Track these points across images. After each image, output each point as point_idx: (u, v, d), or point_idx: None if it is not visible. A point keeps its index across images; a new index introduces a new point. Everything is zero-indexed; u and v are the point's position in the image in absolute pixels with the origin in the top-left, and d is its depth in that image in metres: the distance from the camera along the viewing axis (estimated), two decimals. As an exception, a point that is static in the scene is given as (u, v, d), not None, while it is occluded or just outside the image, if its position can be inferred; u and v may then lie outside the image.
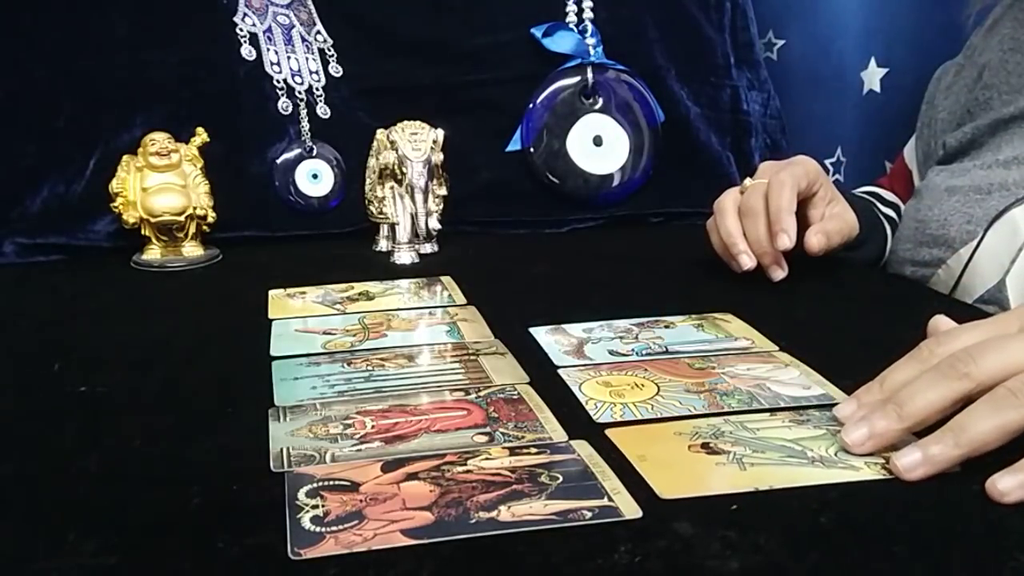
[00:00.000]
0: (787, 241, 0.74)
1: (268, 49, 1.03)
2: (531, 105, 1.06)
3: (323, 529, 0.42)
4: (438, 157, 0.91)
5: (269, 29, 1.04)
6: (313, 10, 1.06)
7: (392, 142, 0.90)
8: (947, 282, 0.80)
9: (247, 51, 1.02)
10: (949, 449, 0.46)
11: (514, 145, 1.07)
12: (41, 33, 0.98)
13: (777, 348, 0.65)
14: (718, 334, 0.68)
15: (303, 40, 1.05)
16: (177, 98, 0.99)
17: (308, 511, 0.44)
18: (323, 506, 0.44)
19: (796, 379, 0.59)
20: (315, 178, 1.02)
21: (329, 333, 0.70)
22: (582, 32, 1.08)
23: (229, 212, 0.95)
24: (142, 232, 0.91)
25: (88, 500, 0.46)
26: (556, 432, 0.52)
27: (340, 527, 0.42)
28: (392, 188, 0.93)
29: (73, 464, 0.50)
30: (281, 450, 0.50)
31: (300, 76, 1.04)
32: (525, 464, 0.48)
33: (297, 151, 1.02)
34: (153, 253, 0.92)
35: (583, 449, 0.50)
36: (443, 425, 0.53)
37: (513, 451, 0.50)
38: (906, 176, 0.99)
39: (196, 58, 1.01)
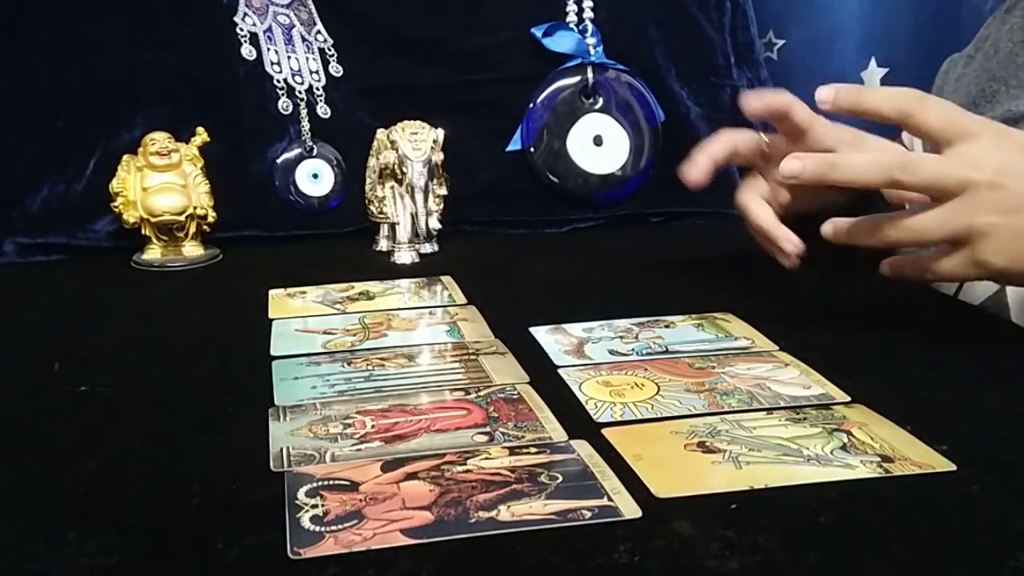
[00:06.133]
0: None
1: (268, 49, 1.03)
2: (531, 105, 1.06)
3: (323, 528, 0.42)
4: (438, 157, 0.91)
5: (269, 29, 1.04)
6: (313, 10, 1.06)
7: (392, 142, 0.90)
8: (951, 284, 0.79)
9: (247, 51, 1.02)
10: (822, 167, 0.61)
11: (514, 145, 1.07)
12: (41, 33, 0.98)
13: (777, 348, 0.65)
14: (718, 334, 0.68)
15: (303, 40, 1.05)
16: (177, 98, 0.99)
17: (308, 511, 0.44)
18: (323, 505, 0.44)
19: (796, 379, 0.59)
20: (315, 178, 1.02)
21: (329, 333, 0.70)
22: (582, 32, 1.08)
23: (229, 212, 0.95)
24: (142, 232, 0.91)
25: (88, 500, 0.46)
26: (556, 432, 0.52)
27: (340, 527, 0.43)
28: (392, 188, 0.93)
29: (73, 464, 0.50)
30: (281, 450, 0.50)
31: (300, 76, 1.04)
32: (525, 464, 0.48)
33: (297, 151, 1.02)
34: (153, 253, 0.92)
35: (583, 449, 0.50)
36: (443, 425, 0.53)
37: (513, 451, 0.50)
38: None
39: (196, 58, 1.01)
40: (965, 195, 0.58)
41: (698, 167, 0.77)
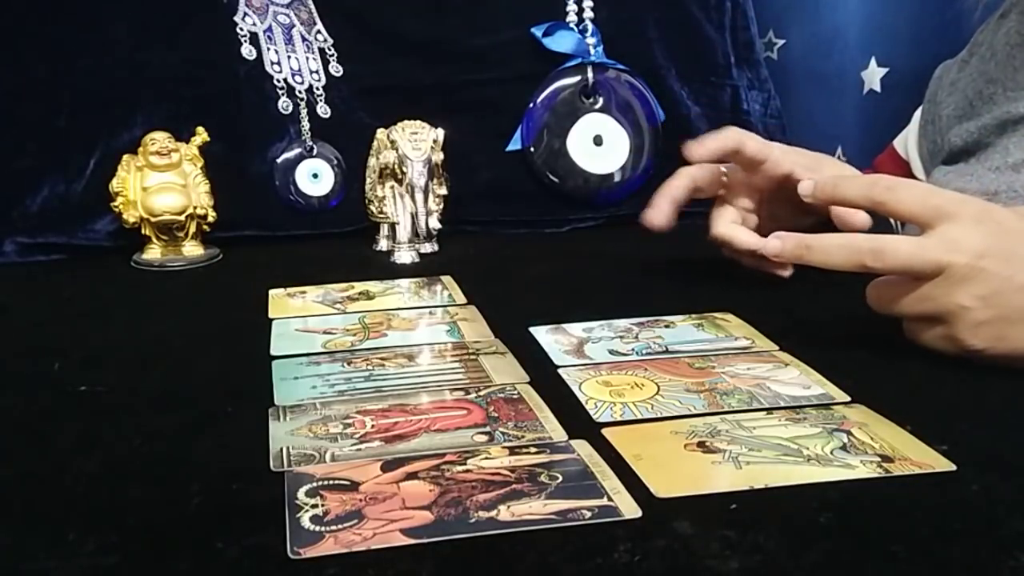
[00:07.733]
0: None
1: (268, 48, 1.03)
2: (531, 105, 1.06)
3: (323, 528, 0.42)
4: (438, 156, 0.91)
5: (269, 28, 1.04)
6: (313, 9, 1.06)
7: (392, 141, 0.90)
8: None
9: (247, 51, 1.02)
10: (798, 249, 0.62)
11: (514, 145, 1.07)
12: (41, 33, 0.98)
13: (777, 348, 0.65)
14: (718, 334, 0.68)
15: (303, 39, 1.05)
16: (177, 98, 0.99)
17: (308, 510, 0.44)
18: (323, 505, 0.44)
19: (796, 379, 0.59)
20: (315, 178, 1.02)
21: (329, 332, 0.70)
22: (582, 31, 1.08)
23: (229, 212, 0.95)
24: (142, 232, 0.91)
25: (88, 500, 0.46)
26: (556, 432, 0.52)
27: (340, 526, 0.43)
28: (392, 187, 0.93)
29: (73, 464, 0.50)
30: (281, 449, 0.50)
31: (300, 75, 1.04)
32: (525, 464, 0.48)
33: (297, 151, 1.02)
34: (153, 253, 0.92)
35: (583, 449, 0.50)
36: (443, 425, 0.53)
37: (513, 451, 0.50)
38: (903, 168, 0.99)
39: (196, 58, 1.00)
40: (941, 278, 0.57)
41: (660, 211, 0.80)
